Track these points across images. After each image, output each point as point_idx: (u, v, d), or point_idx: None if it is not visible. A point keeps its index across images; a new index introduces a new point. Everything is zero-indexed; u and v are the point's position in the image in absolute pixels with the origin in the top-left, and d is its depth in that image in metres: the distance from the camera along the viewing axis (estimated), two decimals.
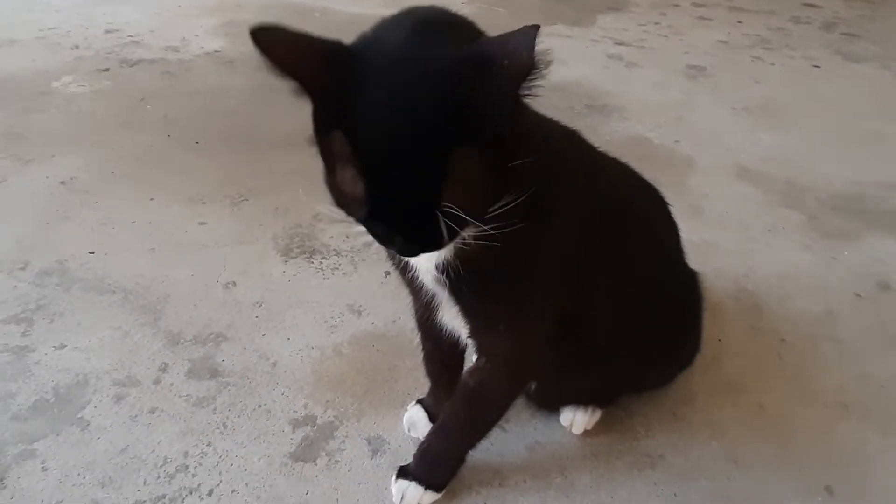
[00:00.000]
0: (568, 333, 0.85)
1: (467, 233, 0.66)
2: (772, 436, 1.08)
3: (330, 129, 0.61)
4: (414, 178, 0.59)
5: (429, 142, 0.58)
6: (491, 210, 0.64)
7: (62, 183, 1.62)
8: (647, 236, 0.94)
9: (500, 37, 0.59)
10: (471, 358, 1.04)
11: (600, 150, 0.91)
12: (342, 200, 0.65)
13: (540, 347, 0.86)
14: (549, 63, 0.57)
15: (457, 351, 0.98)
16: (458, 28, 0.65)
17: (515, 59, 0.57)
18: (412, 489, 0.94)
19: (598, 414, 1.07)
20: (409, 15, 0.65)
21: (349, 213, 0.65)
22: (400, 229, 0.63)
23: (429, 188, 0.59)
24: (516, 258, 0.74)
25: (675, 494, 0.99)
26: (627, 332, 0.92)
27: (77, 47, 2.32)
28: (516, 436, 1.06)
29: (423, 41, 0.61)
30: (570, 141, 0.84)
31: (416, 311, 0.97)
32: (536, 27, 0.57)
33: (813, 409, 1.13)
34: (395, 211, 0.62)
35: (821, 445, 1.07)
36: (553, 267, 0.80)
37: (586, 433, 1.06)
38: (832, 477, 1.02)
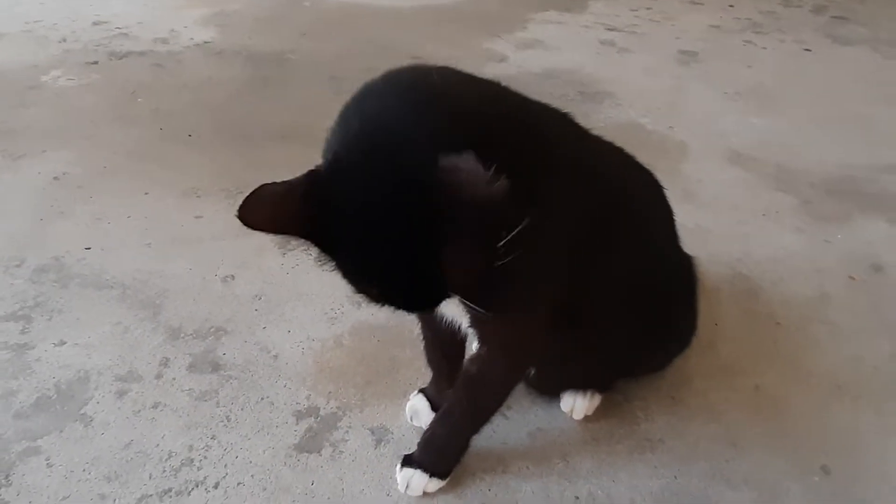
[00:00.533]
0: (567, 320, 0.86)
1: None
2: (768, 417, 1.10)
3: (330, 255, 0.70)
4: (414, 287, 0.68)
5: (416, 259, 0.65)
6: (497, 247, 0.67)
7: (55, 178, 1.61)
8: (645, 223, 0.95)
9: (450, 163, 0.60)
10: (471, 346, 1.05)
11: (595, 135, 0.91)
12: (364, 295, 0.73)
13: (540, 335, 0.87)
14: (503, 190, 0.59)
15: (457, 340, 0.99)
16: (432, 114, 0.67)
17: (471, 192, 0.59)
18: (417, 477, 0.95)
19: (597, 399, 1.08)
20: (383, 99, 0.69)
21: (371, 301, 0.73)
22: (417, 308, 0.76)
23: (433, 290, 0.68)
24: (517, 253, 0.75)
25: (675, 476, 1.01)
26: (626, 317, 0.93)
27: (65, 40, 2.29)
28: (518, 422, 1.07)
29: (393, 151, 0.65)
30: (563, 130, 0.85)
31: None
32: (481, 159, 0.58)
33: (808, 390, 1.15)
34: (408, 301, 0.72)
35: (816, 426, 1.09)
36: (553, 258, 0.81)
37: (587, 418, 1.08)
38: (828, 457, 1.04)
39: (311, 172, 0.68)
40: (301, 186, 0.67)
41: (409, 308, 0.73)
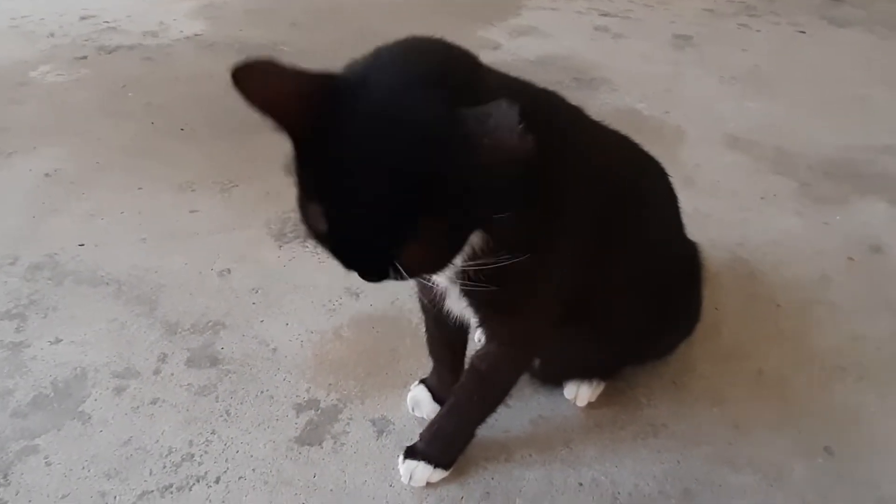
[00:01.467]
0: (575, 313, 0.85)
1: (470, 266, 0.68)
2: (771, 400, 1.10)
3: (305, 165, 0.62)
4: (372, 237, 0.61)
5: (392, 210, 0.59)
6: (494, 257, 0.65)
7: (47, 175, 1.59)
8: (652, 212, 0.94)
9: (482, 110, 0.56)
10: (475, 339, 1.05)
11: (600, 124, 0.90)
12: (307, 226, 0.66)
13: (549, 329, 0.87)
14: (531, 146, 0.54)
15: (461, 332, 0.98)
16: (452, 72, 0.63)
17: (497, 140, 0.55)
18: (421, 468, 0.95)
19: (601, 386, 1.08)
20: (405, 54, 0.64)
21: (313, 236, 0.66)
22: (356, 267, 0.64)
23: (387, 248, 0.61)
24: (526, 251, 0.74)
25: (678, 462, 1.00)
26: (633, 307, 0.92)
27: (52, 35, 2.26)
28: (520, 411, 1.07)
29: (408, 94, 0.59)
30: (572, 118, 0.83)
31: (422, 299, 0.97)
32: (515, 106, 0.54)
33: (810, 371, 1.15)
34: (352, 254, 0.64)
35: (819, 407, 1.09)
36: (563, 254, 0.80)
37: (590, 405, 1.07)
38: (831, 437, 1.04)
39: (330, 75, 0.62)
40: (320, 79, 0.61)
41: (345, 262, 0.65)
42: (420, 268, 0.65)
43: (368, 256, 0.63)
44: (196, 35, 2.28)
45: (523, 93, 0.75)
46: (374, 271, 0.64)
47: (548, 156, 0.62)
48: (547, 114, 0.77)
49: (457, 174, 0.57)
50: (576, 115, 0.84)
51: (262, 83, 0.59)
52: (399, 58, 0.63)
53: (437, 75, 0.61)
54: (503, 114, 0.55)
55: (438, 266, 0.66)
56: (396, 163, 0.58)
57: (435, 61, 0.64)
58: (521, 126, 0.54)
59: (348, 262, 0.64)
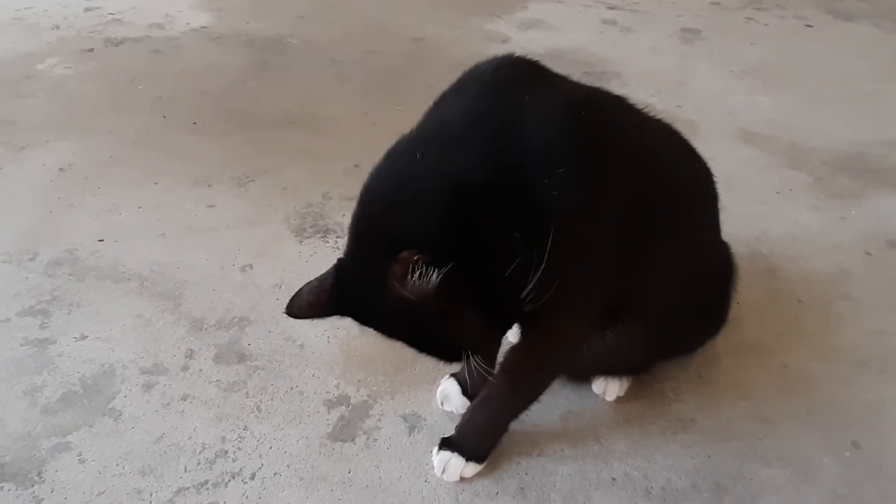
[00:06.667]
0: (612, 314, 0.85)
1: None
2: (796, 394, 1.11)
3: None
4: (426, 348, 0.84)
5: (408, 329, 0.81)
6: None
7: (60, 170, 1.57)
8: (694, 212, 0.94)
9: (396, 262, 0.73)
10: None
11: (651, 117, 0.90)
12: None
13: (585, 331, 0.87)
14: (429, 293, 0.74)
15: None
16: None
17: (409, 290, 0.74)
18: (454, 461, 0.95)
19: (629, 381, 1.08)
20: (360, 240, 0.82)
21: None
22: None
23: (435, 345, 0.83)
24: (567, 254, 0.75)
25: (709, 456, 1.01)
26: (669, 307, 0.92)
27: (57, 27, 2.23)
28: (550, 405, 1.07)
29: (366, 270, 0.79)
30: (620, 114, 0.83)
31: None
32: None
33: (834, 366, 1.16)
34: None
35: (844, 401, 1.10)
36: (601, 256, 0.80)
37: (618, 400, 1.08)
38: (858, 431, 1.05)
39: (338, 261, 0.83)
40: (329, 278, 0.83)
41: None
42: (477, 347, 0.80)
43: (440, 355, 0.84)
44: (202, 27, 2.26)
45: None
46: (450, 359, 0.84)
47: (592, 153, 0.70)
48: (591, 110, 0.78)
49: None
50: (626, 108, 0.84)
51: (301, 306, 0.83)
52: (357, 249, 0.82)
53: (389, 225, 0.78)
54: (403, 270, 0.72)
55: (492, 339, 0.84)
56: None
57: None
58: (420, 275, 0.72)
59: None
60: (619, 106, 0.86)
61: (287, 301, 0.83)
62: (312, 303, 0.82)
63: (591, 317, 0.85)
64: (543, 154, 0.74)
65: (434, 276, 0.72)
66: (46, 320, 1.19)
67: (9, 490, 0.93)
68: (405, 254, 0.71)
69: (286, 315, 0.83)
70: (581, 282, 0.80)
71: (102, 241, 1.37)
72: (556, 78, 0.86)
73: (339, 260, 0.84)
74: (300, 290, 0.83)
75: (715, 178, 0.98)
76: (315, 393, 1.08)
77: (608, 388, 1.07)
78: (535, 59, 0.87)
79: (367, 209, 0.80)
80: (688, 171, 0.94)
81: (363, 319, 0.82)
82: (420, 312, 0.75)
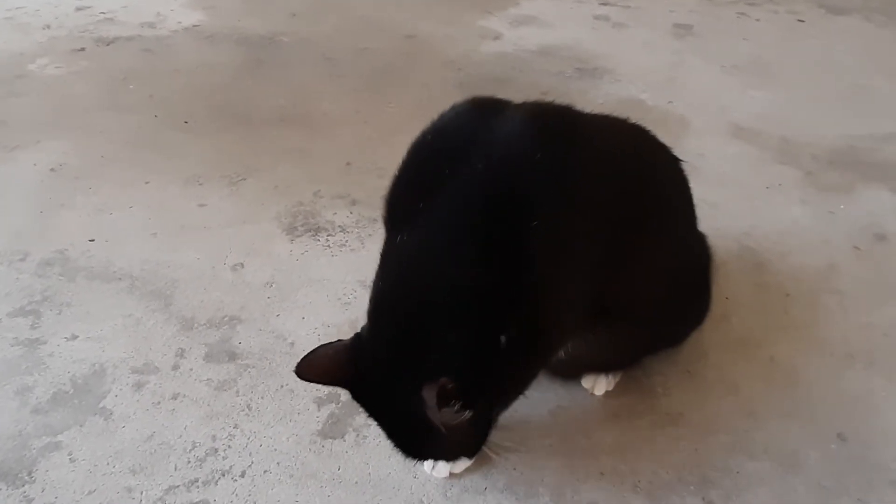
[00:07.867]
0: (594, 316, 0.86)
1: None
2: (783, 387, 1.12)
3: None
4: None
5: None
6: None
7: (52, 170, 1.57)
8: (670, 207, 0.95)
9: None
10: None
11: (612, 117, 0.90)
12: None
13: (568, 333, 0.88)
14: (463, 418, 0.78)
15: None
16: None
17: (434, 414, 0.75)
18: None
19: (617, 376, 1.09)
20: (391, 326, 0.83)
21: None
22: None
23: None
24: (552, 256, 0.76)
25: (696, 449, 1.02)
26: (652, 304, 0.93)
27: (48, 27, 2.23)
28: (538, 401, 1.08)
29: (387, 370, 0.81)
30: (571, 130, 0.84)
31: None
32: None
33: (821, 359, 1.17)
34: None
35: (831, 394, 1.11)
36: (582, 268, 0.81)
37: (606, 395, 1.09)
38: (843, 424, 1.06)
39: (356, 337, 0.85)
40: (344, 352, 0.84)
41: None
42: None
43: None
44: (194, 26, 2.25)
45: None
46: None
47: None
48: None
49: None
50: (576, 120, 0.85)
51: (313, 369, 0.84)
52: (384, 330, 0.83)
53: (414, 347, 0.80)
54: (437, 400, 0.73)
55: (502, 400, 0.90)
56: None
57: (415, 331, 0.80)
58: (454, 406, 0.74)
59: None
60: (573, 136, 0.85)
61: (299, 359, 0.84)
62: (326, 371, 0.84)
63: (573, 328, 0.86)
64: (519, 212, 0.77)
65: (467, 413, 0.76)
66: (37, 320, 1.19)
67: None
68: (443, 380, 0.71)
69: (294, 373, 0.84)
70: (564, 309, 0.81)
71: (93, 240, 1.37)
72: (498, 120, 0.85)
73: (358, 336, 0.85)
74: (314, 351, 0.84)
75: (682, 163, 0.98)
76: (305, 391, 1.09)
77: (597, 384, 1.08)
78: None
79: (394, 308, 0.82)
80: (656, 167, 0.95)
81: (370, 410, 0.86)
82: (437, 431, 0.78)
